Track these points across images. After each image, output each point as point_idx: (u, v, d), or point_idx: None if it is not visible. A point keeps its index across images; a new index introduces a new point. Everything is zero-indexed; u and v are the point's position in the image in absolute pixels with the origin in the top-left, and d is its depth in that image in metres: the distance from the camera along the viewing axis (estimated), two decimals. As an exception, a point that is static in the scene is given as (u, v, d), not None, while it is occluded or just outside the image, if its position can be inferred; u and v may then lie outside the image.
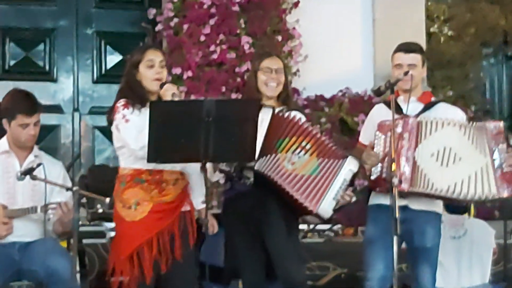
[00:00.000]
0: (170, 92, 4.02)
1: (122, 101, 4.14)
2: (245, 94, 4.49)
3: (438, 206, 4.38)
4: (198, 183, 4.23)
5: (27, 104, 4.44)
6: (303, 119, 4.42)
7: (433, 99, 4.47)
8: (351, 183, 4.28)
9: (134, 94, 4.16)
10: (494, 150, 4.14)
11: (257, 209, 4.31)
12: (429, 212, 4.32)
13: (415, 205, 4.27)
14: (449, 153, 4.14)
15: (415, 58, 4.32)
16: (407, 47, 4.36)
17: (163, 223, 4.12)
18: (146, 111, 4.08)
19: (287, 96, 4.50)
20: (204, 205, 4.26)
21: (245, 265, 4.42)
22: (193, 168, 4.22)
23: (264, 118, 4.21)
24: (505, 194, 4.11)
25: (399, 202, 4.11)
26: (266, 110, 4.27)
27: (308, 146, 4.24)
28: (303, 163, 4.23)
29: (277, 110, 4.32)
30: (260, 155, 4.19)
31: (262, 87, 4.40)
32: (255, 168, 4.20)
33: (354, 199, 4.36)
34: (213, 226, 4.41)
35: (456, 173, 4.12)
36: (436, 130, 4.17)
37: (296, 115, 4.36)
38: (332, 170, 4.24)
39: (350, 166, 4.25)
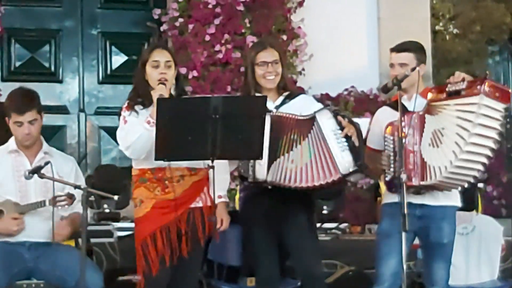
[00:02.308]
0: (157, 94, 3.99)
1: (126, 103, 4.19)
2: (245, 88, 4.45)
3: (455, 199, 4.36)
4: (217, 177, 4.20)
5: (18, 102, 4.42)
6: (311, 100, 4.44)
7: None
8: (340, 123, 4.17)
9: (139, 95, 4.18)
10: None
11: (279, 206, 4.30)
12: (446, 206, 4.30)
13: (432, 201, 4.26)
14: (439, 133, 4.11)
15: (406, 57, 4.29)
16: (398, 47, 4.35)
17: (168, 217, 4.11)
18: (147, 113, 4.09)
19: (286, 84, 4.45)
20: (221, 200, 4.26)
21: (262, 262, 4.39)
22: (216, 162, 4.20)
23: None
24: None
25: (416, 200, 4.14)
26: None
27: (295, 137, 4.19)
28: (299, 156, 4.18)
29: (273, 112, 4.25)
30: (269, 165, 4.16)
31: (260, 80, 4.38)
32: (269, 180, 4.17)
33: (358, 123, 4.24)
34: (222, 222, 4.35)
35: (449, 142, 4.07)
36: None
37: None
38: (317, 137, 4.17)
39: (323, 118, 4.18)
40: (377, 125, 4.40)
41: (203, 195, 4.20)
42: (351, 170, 4.13)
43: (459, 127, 4.01)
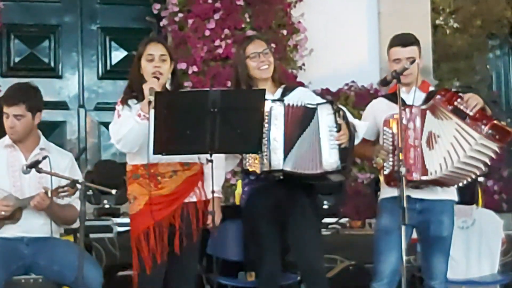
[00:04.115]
0: (148, 86, 3.99)
1: (120, 97, 4.19)
2: (238, 83, 4.43)
3: (452, 194, 4.36)
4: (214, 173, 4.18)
5: (10, 93, 4.42)
6: (309, 92, 4.49)
7: (431, 88, 4.43)
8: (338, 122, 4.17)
9: (134, 89, 4.17)
10: None
11: (287, 199, 4.31)
12: (445, 200, 4.32)
13: (431, 195, 4.26)
14: (434, 137, 4.15)
15: (413, 50, 4.28)
16: (404, 41, 4.32)
17: (161, 214, 4.10)
18: (139, 106, 4.07)
19: (281, 77, 4.49)
20: (216, 195, 4.24)
21: (266, 256, 4.36)
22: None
23: (277, 114, 4.18)
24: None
25: (415, 195, 4.15)
26: (275, 105, 4.22)
27: (301, 125, 4.21)
28: (302, 143, 4.20)
29: (286, 102, 4.25)
30: (286, 153, 4.17)
31: (255, 73, 4.37)
32: (289, 169, 4.18)
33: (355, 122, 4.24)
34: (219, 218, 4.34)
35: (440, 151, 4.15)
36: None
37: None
38: (314, 129, 4.17)
39: (323, 112, 4.18)
40: (370, 116, 4.40)
41: (197, 189, 4.20)
42: (333, 168, 4.16)
43: (452, 147, 4.11)
